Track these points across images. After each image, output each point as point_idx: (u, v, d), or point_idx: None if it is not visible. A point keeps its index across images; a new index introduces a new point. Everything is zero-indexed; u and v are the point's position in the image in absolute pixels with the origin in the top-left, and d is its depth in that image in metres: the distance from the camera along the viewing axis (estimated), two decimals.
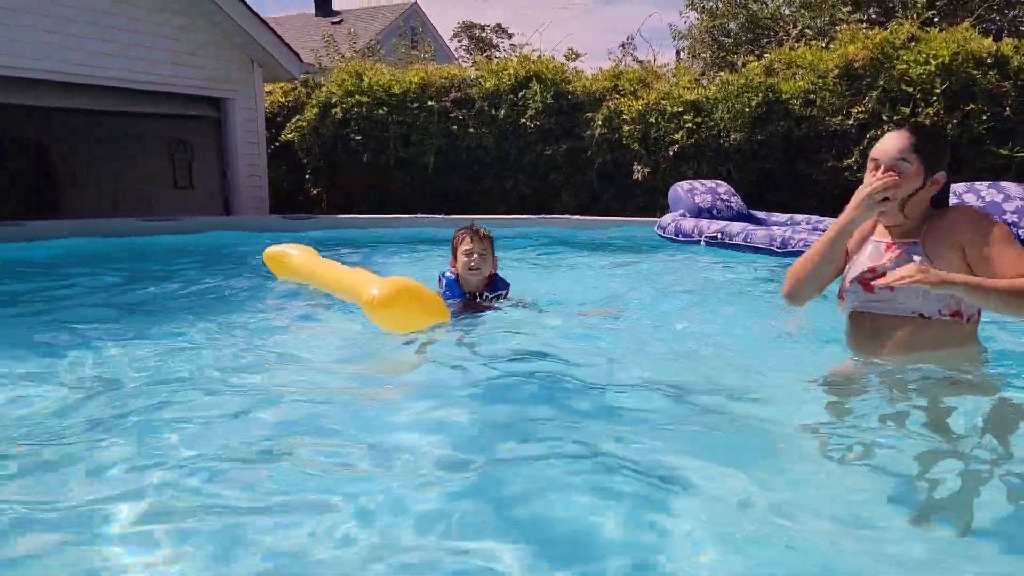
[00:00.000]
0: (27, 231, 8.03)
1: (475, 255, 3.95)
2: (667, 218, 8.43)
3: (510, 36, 34.98)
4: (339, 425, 2.50)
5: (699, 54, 19.03)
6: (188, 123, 11.70)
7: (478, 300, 4.01)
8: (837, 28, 11.98)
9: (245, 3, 10.79)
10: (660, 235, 8.37)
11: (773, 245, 6.92)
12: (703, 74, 12.75)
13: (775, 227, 7.41)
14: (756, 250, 7.05)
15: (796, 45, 11.46)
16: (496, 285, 4.08)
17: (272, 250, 5.01)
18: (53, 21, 8.88)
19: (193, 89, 10.76)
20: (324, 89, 12.39)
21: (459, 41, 36.88)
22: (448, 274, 4.09)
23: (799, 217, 8.48)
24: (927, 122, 8.98)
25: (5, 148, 13.18)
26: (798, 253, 6.58)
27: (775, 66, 10.35)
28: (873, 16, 16.29)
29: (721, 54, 17.52)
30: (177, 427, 2.45)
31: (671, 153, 10.42)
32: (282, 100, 13.11)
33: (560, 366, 3.05)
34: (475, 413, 2.57)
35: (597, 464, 2.10)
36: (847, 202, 2.68)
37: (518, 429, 2.41)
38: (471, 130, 11.57)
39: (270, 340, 3.75)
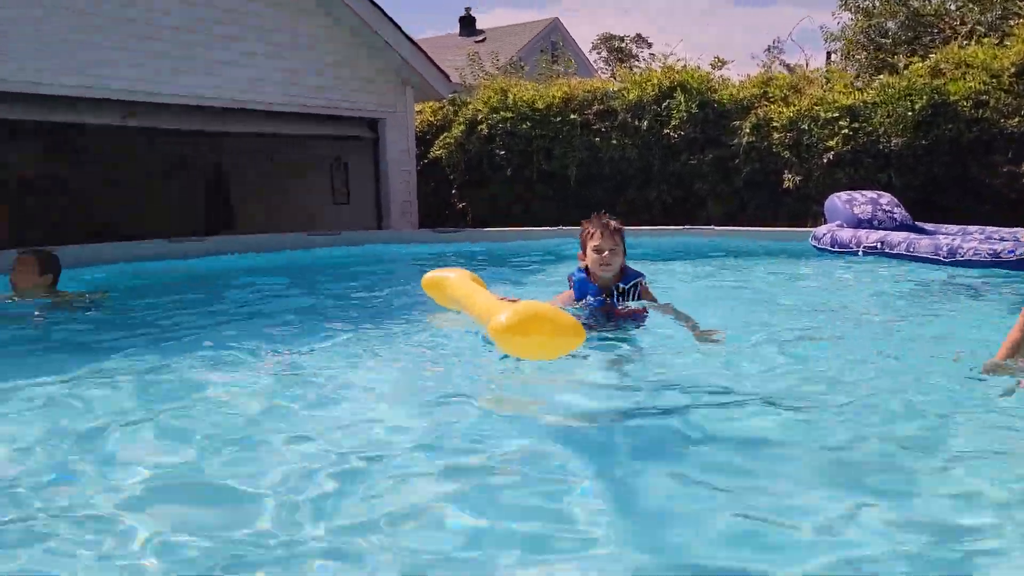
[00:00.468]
0: (213, 245, 8.82)
1: (606, 252, 3.74)
2: (822, 228, 8.14)
3: (650, 45, 34.65)
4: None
5: (853, 56, 18.13)
6: (346, 142, 12.43)
7: (614, 299, 3.83)
8: (1011, 23, 11.12)
9: (400, 29, 11.37)
10: (815, 246, 8.09)
11: (940, 254, 6.55)
12: (858, 76, 12.16)
13: (941, 236, 6.97)
14: (922, 260, 6.66)
15: (966, 43, 10.72)
16: (628, 276, 3.86)
17: (430, 277, 4.47)
18: (223, 51, 9.72)
19: (352, 111, 11.44)
20: (471, 107, 12.82)
21: (598, 53, 36.95)
22: (578, 271, 3.90)
23: (971, 228, 7.89)
24: None
25: (189, 171, 14.52)
26: (967, 263, 6.25)
27: (942, 66, 9.73)
28: None
29: (878, 55, 16.59)
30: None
31: (825, 160, 10.02)
32: (431, 119, 13.66)
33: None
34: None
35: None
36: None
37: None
38: (613, 142, 11.61)
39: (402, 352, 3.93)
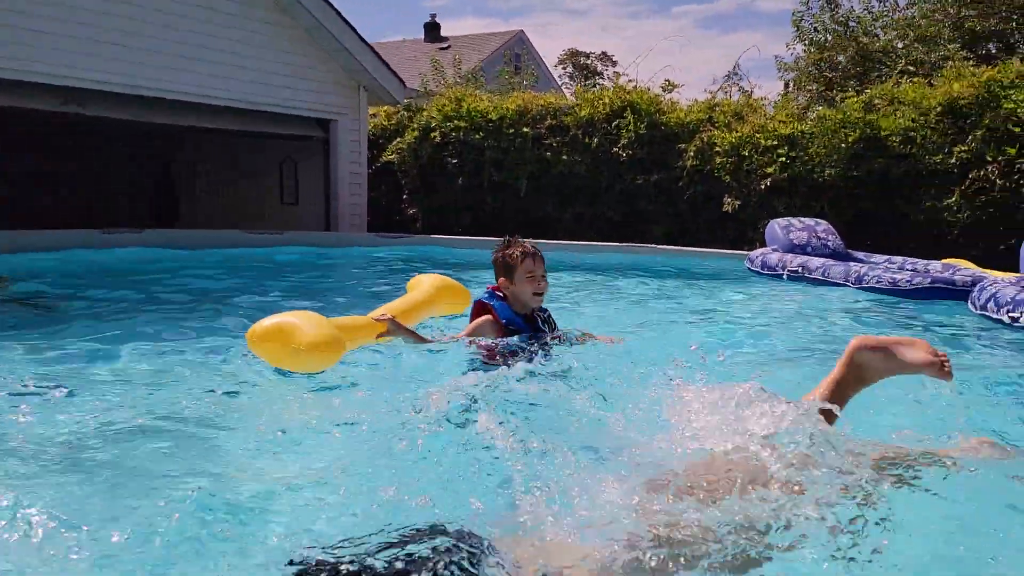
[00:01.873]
0: (144, 238, 8.76)
1: (541, 280, 3.63)
2: (756, 252, 8.50)
3: (615, 64, 35.18)
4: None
5: (804, 87, 18.68)
6: (296, 143, 12.43)
7: (539, 323, 3.72)
8: (945, 65, 11.64)
9: (356, 31, 11.43)
10: (748, 268, 8.44)
11: (849, 280, 7.05)
12: (808, 107, 12.57)
13: (853, 264, 7.42)
14: (834, 284, 7.18)
15: (900, 81, 11.18)
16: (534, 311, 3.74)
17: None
18: (179, 46, 9.68)
19: (304, 111, 11.46)
20: (425, 114, 12.92)
21: (563, 68, 37.36)
22: (491, 296, 3.69)
23: (896, 259, 8.27)
24: None
25: (136, 163, 14.35)
26: (870, 288, 6.70)
27: (875, 102, 10.14)
28: (993, 51, 15.66)
29: (826, 90, 17.15)
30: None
31: (763, 187, 10.35)
32: (385, 123, 13.72)
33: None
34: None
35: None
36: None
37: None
38: (564, 157, 11.82)
39: None
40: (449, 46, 29.09)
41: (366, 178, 12.60)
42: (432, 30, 31.16)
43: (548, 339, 3.63)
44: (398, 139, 13.20)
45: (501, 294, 3.67)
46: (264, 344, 3.33)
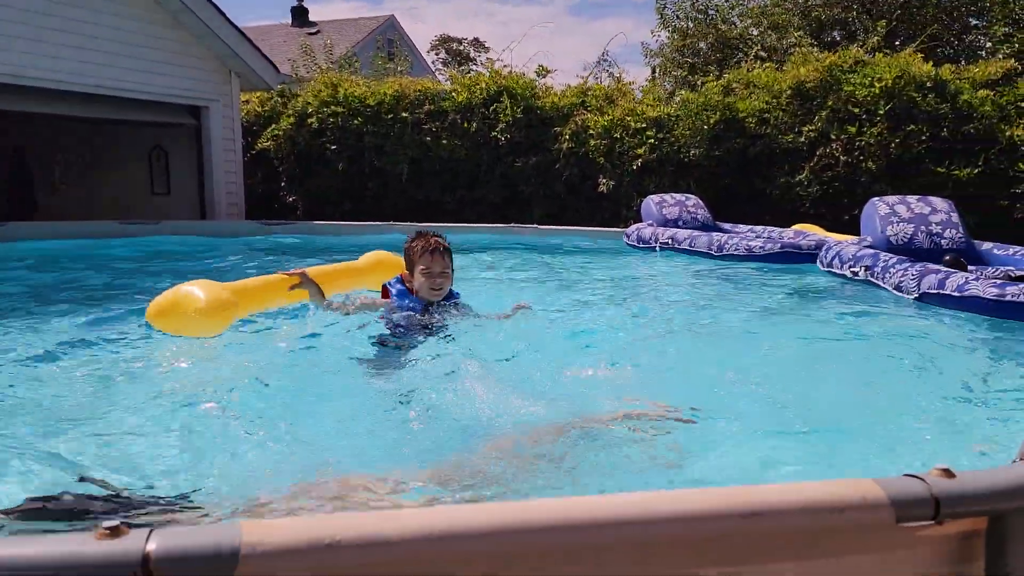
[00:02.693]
0: (7, 231, 8.28)
1: (437, 277, 3.59)
2: (632, 227, 9.04)
3: (487, 50, 35.47)
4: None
5: (669, 72, 19.60)
6: (166, 130, 11.98)
7: (432, 309, 3.72)
8: (794, 51, 12.61)
9: (224, 15, 11.13)
10: (626, 243, 8.95)
11: (712, 249, 7.70)
12: (673, 92, 13.28)
13: (715, 234, 8.08)
14: (699, 254, 7.79)
15: (753, 66, 12.03)
16: (450, 294, 3.78)
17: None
18: (36, 29, 9.16)
19: (173, 97, 11.07)
20: (300, 99, 12.75)
21: (436, 54, 37.33)
22: (398, 283, 3.74)
23: (758, 228, 9.02)
24: (871, 141, 9.55)
25: None
26: (730, 256, 7.35)
27: (733, 86, 10.90)
28: (837, 39, 17.01)
29: (688, 75, 18.09)
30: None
31: (635, 167, 10.91)
32: (259, 109, 13.42)
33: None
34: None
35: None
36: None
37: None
38: (443, 142, 11.99)
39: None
40: (319, 31, 28.47)
41: (242, 165, 12.32)
42: (300, 15, 30.38)
43: (435, 322, 3.64)
44: (273, 125, 12.95)
45: (406, 286, 3.73)
46: (162, 317, 3.53)
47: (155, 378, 3.12)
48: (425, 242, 3.61)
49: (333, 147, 12.31)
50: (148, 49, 10.55)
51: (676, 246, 8.15)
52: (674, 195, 9.39)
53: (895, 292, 5.35)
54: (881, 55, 10.18)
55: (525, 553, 0.99)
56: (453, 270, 3.70)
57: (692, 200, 9.32)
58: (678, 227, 8.74)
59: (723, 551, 1.07)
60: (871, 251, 6.05)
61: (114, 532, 0.90)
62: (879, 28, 14.25)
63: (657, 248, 8.29)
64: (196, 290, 3.55)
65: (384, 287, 3.84)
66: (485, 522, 0.98)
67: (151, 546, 0.89)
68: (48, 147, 13.23)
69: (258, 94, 13.31)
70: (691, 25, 19.38)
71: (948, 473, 1.16)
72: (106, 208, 12.40)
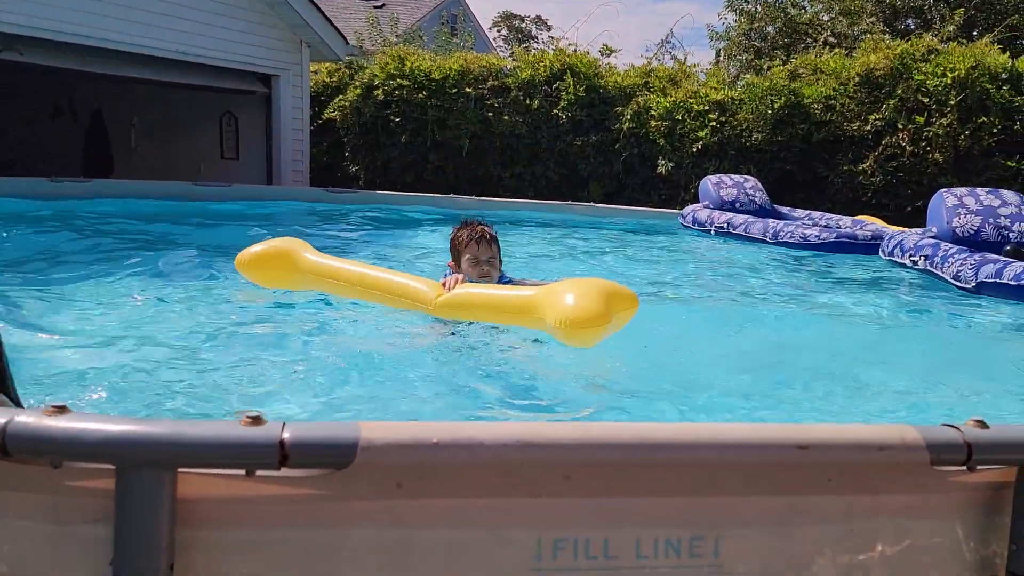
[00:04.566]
0: (91, 188, 8.71)
1: (483, 265, 3.50)
2: (688, 208, 9.09)
3: (549, 28, 35.40)
4: None
5: (735, 56, 19.32)
6: (237, 97, 12.34)
7: None
8: (871, 37, 12.35)
9: None
10: (681, 223, 9.02)
11: (766, 236, 7.70)
12: (738, 76, 13.15)
13: (771, 220, 8.09)
14: (753, 240, 7.82)
15: (822, 52, 11.84)
16: (502, 280, 3.64)
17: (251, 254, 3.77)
18: None
19: (245, 65, 11.41)
20: (368, 71, 12.99)
21: (498, 31, 37.35)
22: (449, 275, 3.55)
23: (816, 215, 8.97)
24: (940, 132, 9.37)
25: (68, 112, 13.97)
26: (784, 243, 7.35)
27: (800, 71, 10.76)
28: (912, 27, 16.56)
29: (754, 59, 17.81)
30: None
31: (695, 150, 10.89)
32: (327, 80, 13.70)
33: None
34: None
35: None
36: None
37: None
38: (505, 118, 12.11)
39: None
40: (384, 4, 28.73)
41: (308, 134, 12.64)
42: None
43: None
44: (340, 96, 13.23)
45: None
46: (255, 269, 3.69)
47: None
48: (471, 230, 3.57)
49: (397, 119, 12.54)
50: (225, 18, 10.89)
51: (731, 231, 8.17)
52: (733, 176, 9.37)
53: (953, 282, 5.35)
54: (955, 44, 9.93)
55: (604, 464, 1.14)
56: (501, 258, 3.63)
57: (751, 182, 9.29)
58: (735, 209, 8.73)
59: (775, 480, 1.21)
60: (932, 241, 6.03)
61: (255, 420, 1.08)
62: (956, 17, 13.85)
63: (712, 232, 8.32)
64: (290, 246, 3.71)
65: (443, 279, 3.67)
66: (565, 436, 1.13)
67: (286, 434, 1.06)
68: (125, 110, 13.75)
69: (327, 65, 13.59)
70: (759, 9, 19.06)
71: (982, 424, 1.27)
72: (178, 170, 12.87)
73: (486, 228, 3.58)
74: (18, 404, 1.24)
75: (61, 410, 0.99)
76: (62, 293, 3.88)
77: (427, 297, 3.27)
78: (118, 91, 13.10)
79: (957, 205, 6.38)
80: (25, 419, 0.97)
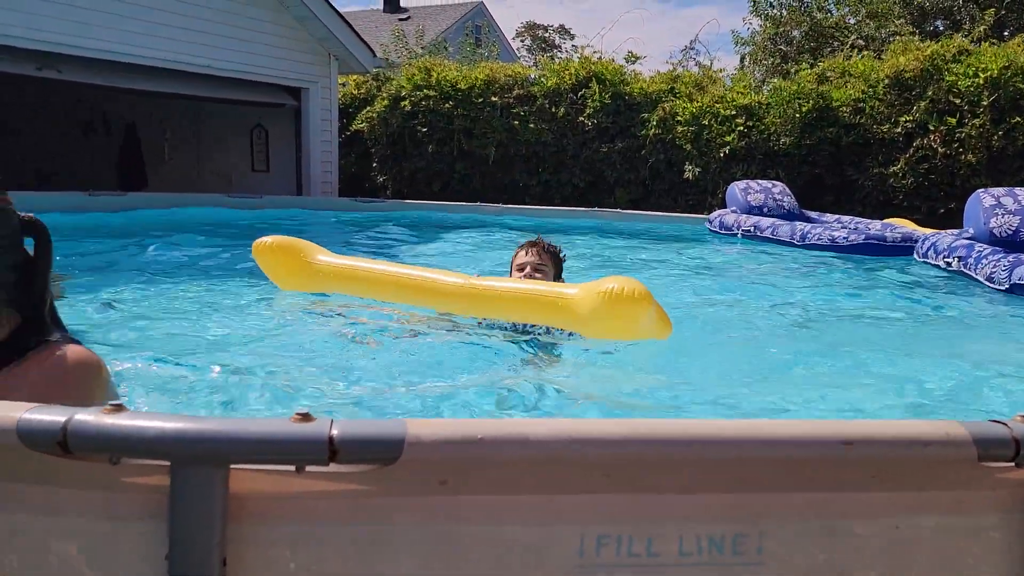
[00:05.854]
0: (127, 201, 8.89)
1: (528, 267, 3.54)
2: (715, 213, 9.07)
3: (572, 37, 35.41)
4: None
5: (760, 61, 19.19)
6: (267, 110, 12.52)
7: None
8: (899, 39, 12.22)
9: (327, 0, 11.56)
10: (709, 228, 8.99)
11: (794, 238, 7.67)
12: (764, 81, 13.08)
13: (798, 223, 8.06)
14: (781, 242, 7.79)
15: (851, 54, 11.74)
16: None
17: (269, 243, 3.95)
18: (149, 11, 9.73)
19: (275, 79, 11.58)
20: (394, 83, 13.11)
21: (522, 41, 37.46)
22: None
23: (845, 219, 8.89)
24: (972, 133, 9.24)
25: (101, 126, 14.26)
26: (812, 246, 7.31)
27: (828, 74, 10.67)
28: (941, 28, 16.36)
29: (781, 62, 17.68)
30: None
31: (722, 155, 10.83)
32: (355, 92, 13.86)
33: None
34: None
35: None
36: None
37: None
38: (531, 126, 12.15)
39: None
40: (409, 17, 29.04)
41: (337, 146, 12.78)
42: (391, 1, 31.00)
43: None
44: (368, 108, 13.37)
45: None
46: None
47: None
48: (528, 241, 3.69)
49: (424, 129, 12.64)
50: (254, 32, 11.06)
51: (758, 234, 8.14)
52: (760, 182, 9.32)
53: (986, 283, 5.28)
54: (987, 45, 9.79)
55: (648, 460, 1.15)
56: (554, 272, 3.61)
57: (778, 187, 9.23)
58: (763, 214, 8.69)
59: (819, 477, 1.20)
60: (966, 242, 5.94)
61: (305, 417, 1.10)
62: (986, 17, 13.66)
63: (739, 235, 8.30)
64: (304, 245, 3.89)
65: None
66: (610, 432, 1.14)
67: (335, 431, 1.08)
68: (157, 123, 14.01)
69: (354, 77, 13.74)
70: (785, 13, 18.92)
71: None
72: (209, 183, 13.07)
73: (543, 239, 3.70)
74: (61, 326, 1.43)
75: (118, 408, 1.02)
76: (114, 301, 4.01)
77: (453, 286, 3.33)
78: (151, 106, 13.35)
79: (994, 205, 6.27)
80: (85, 417, 1.00)
